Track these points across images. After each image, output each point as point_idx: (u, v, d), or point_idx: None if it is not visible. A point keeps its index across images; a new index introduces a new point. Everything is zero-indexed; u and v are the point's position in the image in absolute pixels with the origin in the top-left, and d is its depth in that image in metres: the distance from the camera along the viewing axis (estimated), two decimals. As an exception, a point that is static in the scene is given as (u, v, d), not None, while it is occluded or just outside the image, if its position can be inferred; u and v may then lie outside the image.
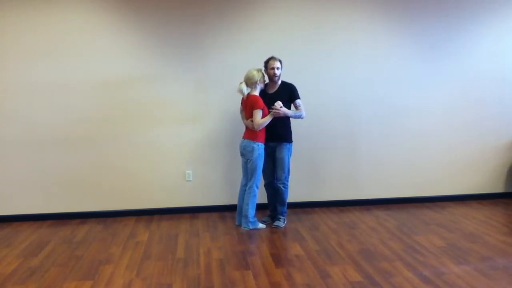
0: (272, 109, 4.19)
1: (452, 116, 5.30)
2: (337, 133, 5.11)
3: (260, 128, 4.20)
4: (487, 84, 5.32)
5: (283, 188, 4.44)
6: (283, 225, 4.47)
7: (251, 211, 4.35)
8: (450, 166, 5.38)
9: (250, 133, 4.28)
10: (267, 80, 4.38)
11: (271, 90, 4.38)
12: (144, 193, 4.91)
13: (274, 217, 4.58)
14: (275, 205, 4.55)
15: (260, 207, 4.67)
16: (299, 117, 4.38)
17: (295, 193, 5.05)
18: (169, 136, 4.87)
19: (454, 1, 5.12)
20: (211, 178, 4.99)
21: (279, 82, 4.40)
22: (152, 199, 4.93)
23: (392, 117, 5.18)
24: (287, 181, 4.47)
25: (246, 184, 4.41)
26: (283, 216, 4.53)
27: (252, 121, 4.21)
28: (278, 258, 3.61)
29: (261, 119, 4.16)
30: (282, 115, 4.24)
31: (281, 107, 4.21)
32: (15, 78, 4.57)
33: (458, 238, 4.06)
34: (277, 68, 4.27)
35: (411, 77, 5.17)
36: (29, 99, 4.61)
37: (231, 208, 4.88)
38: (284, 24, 4.88)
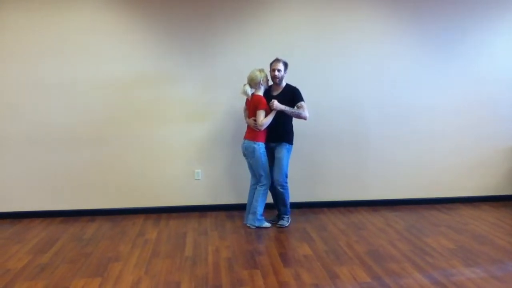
0: (270, 107, 4.20)
1: (462, 117, 5.26)
2: (346, 133, 5.09)
3: (264, 128, 4.21)
4: (498, 85, 5.27)
5: (282, 190, 4.38)
6: (287, 224, 4.47)
7: (260, 209, 4.36)
8: (459, 168, 5.34)
9: (251, 133, 4.31)
10: (270, 81, 4.37)
11: (275, 92, 4.38)
12: (153, 191, 4.93)
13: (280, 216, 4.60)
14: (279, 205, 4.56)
15: (266, 207, 4.66)
16: (298, 115, 4.27)
17: (303, 193, 5.07)
18: (178, 135, 4.89)
19: (464, 2, 5.08)
20: (220, 177, 5.00)
21: (283, 85, 4.37)
22: (161, 197, 4.95)
23: (401, 117, 5.16)
24: (286, 182, 4.40)
25: (255, 184, 4.43)
26: (287, 215, 4.53)
27: (254, 120, 4.23)
28: (287, 258, 3.61)
29: (264, 119, 4.18)
30: (281, 108, 4.18)
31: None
32: (27, 77, 4.62)
33: (467, 240, 4.04)
34: (278, 70, 4.25)
35: (421, 78, 5.14)
36: (40, 98, 4.65)
37: (239, 208, 4.88)
38: (292, 23, 4.87)
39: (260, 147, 4.27)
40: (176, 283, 3.15)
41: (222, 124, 4.91)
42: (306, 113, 4.28)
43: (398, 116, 5.15)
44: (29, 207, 4.79)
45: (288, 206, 4.51)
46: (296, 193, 5.06)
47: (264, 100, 4.21)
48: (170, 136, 4.88)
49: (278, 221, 4.54)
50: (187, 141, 4.91)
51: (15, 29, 4.56)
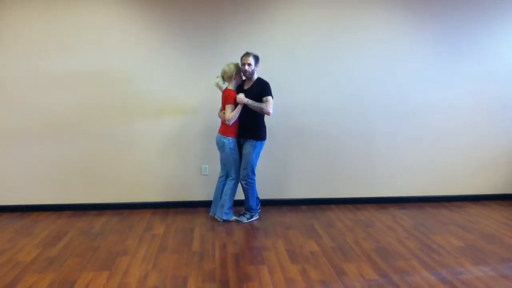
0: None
1: (471, 115, 5.21)
2: (354, 130, 5.07)
3: (232, 122, 4.23)
4: (508, 84, 5.20)
5: (245, 186, 4.36)
6: (246, 222, 4.43)
7: (229, 202, 4.42)
8: (469, 166, 5.29)
9: (223, 127, 4.36)
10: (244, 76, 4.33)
11: (247, 86, 4.33)
12: (160, 186, 4.95)
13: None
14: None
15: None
16: (261, 110, 4.16)
17: (311, 189, 5.06)
18: (186, 130, 4.89)
19: (476, 2, 5.02)
20: (227, 173, 5.00)
21: (255, 78, 4.30)
22: (169, 192, 4.97)
23: (409, 116, 5.11)
24: (252, 179, 4.37)
25: (223, 176, 4.50)
26: (250, 212, 4.48)
27: (224, 113, 4.28)
28: (294, 254, 3.60)
29: (230, 113, 4.21)
30: (244, 102, 4.15)
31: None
32: (31, 68, 4.64)
33: (476, 238, 4.01)
34: (249, 65, 4.16)
35: (428, 77, 5.09)
36: (46, 90, 4.67)
37: (246, 203, 4.88)
38: (299, 21, 4.84)
39: (230, 142, 4.30)
40: (183, 278, 3.16)
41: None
42: (269, 108, 4.17)
43: (407, 114, 5.11)
44: (38, 201, 4.83)
45: (251, 203, 4.44)
46: (304, 190, 5.07)
47: (233, 95, 4.22)
48: (178, 131, 4.89)
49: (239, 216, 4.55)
50: (194, 136, 4.92)
51: (17, 24, 4.58)
